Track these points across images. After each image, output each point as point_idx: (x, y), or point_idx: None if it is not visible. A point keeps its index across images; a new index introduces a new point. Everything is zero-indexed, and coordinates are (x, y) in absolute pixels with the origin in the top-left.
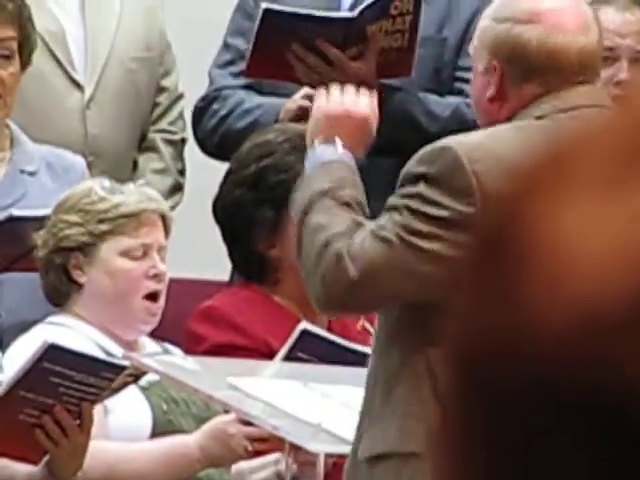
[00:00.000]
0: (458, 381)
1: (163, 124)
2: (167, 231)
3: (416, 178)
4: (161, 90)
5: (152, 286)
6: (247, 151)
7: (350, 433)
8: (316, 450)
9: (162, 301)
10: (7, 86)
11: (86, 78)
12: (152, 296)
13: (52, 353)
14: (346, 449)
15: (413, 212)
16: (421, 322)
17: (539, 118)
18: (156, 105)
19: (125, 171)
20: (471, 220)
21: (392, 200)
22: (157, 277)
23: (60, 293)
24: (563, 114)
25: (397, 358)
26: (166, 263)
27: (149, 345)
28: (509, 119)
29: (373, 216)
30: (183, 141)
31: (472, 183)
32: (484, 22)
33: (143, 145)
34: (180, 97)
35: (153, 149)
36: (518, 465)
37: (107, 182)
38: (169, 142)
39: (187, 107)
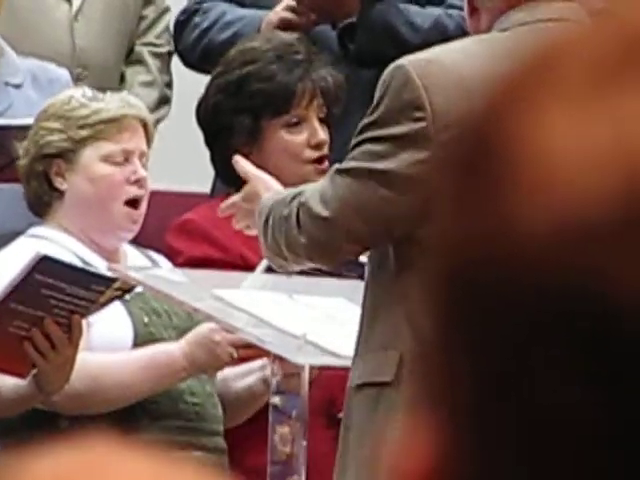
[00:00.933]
0: (440, 292)
1: (150, 37)
2: (149, 138)
3: (376, 104)
4: (148, 3)
5: (133, 191)
6: (232, 57)
7: (334, 344)
8: (301, 362)
9: (143, 208)
10: None
11: None
12: (133, 202)
13: (44, 265)
14: (330, 360)
15: (370, 140)
16: (399, 255)
17: (503, 30)
18: (142, 18)
19: (113, 84)
20: (422, 136)
21: (353, 140)
22: (138, 182)
23: (42, 201)
24: (526, 26)
25: (379, 289)
26: (149, 174)
27: (132, 254)
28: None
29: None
30: (170, 54)
31: (422, 96)
32: None
33: (130, 58)
34: (166, 10)
35: (140, 62)
36: (503, 375)
37: (88, 90)
38: (156, 55)
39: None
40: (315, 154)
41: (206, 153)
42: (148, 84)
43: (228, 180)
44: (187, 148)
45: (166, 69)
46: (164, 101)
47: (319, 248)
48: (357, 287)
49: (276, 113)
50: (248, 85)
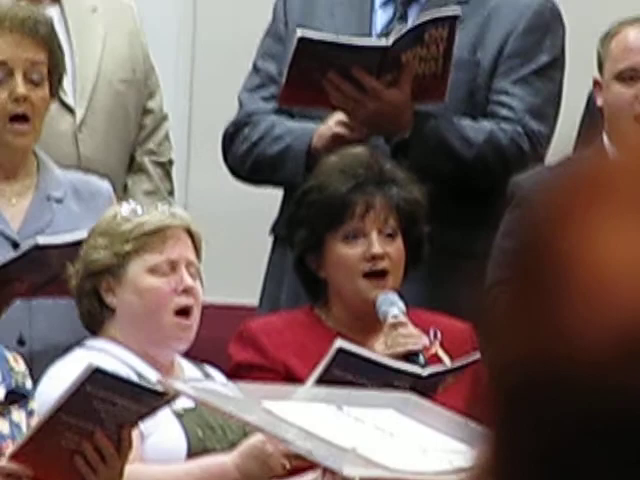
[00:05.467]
0: (499, 400)
1: (150, 145)
2: (196, 247)
3: None
4: (146, 112)
5: (182, 301)
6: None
7: (384, 457)
8: (351, 475)
9: (194, 317)
10: (36, 109)
11: (76, 101)
12: (183, 311)
13: (96, 377)
14: (380, 472)
15: None
16: None
17: None
18: (142, 127)
19: (117, 193)
20: None
21: None
22: (186, 292)
23: (95, 319)
24: None
25: None
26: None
27: (187, 368)
28: None
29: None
30: (170, 162)
31: None
32: None
33: (132, 167)
34: (165, 118)
35: (142, 171)
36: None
37: (132, 204)
38: (157, 164)
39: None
40: (368, 267)
41: (252, 265)
42: (151, 193)
43: (306, 294)
44: (236, 261)
45: (167, 177)
46: None
47: None
48: (407, 399)
49: (331, 225)
50: (308, 197)
